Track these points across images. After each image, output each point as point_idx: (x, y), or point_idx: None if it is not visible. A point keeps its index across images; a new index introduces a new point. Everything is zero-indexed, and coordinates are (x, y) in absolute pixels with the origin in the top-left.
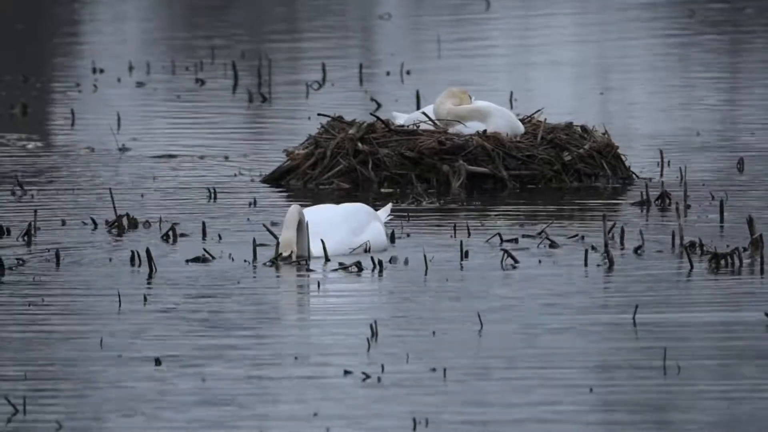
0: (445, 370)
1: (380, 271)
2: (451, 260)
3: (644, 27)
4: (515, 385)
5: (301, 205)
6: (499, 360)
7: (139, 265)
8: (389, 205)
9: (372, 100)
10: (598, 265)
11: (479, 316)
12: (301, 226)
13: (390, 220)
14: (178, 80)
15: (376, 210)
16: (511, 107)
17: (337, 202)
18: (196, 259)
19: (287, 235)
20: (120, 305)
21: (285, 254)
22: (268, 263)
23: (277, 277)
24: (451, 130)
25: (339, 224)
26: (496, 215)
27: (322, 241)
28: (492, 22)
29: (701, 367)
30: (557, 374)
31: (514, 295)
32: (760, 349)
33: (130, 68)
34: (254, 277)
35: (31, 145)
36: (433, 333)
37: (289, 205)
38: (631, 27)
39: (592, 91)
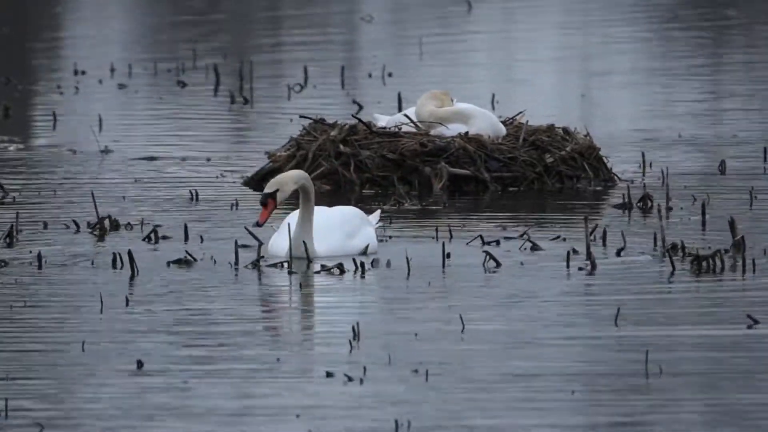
0: (427, 371)
1: (362, 274)
2: (433, 262)
3: (627, 29)
4: (497, 387)
5: (290, 207)
6: (480, 361)
7: (121, 267)
8: (378, 212)
9: (354, 102)
10: (580, 268)
11: (461, 317)
12: (307, 193)
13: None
14: (160, 82)
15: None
16: (493, 109)
17: (319, 204)
18: (178, 261)
19: (288, 176)
20: (102, 307)
21: (268, 190)
22: (250, 265)
23: (260, 279)
24: (432, 132)
25: (334, 228)
26: (477, 217)
27: (304, 242)
28: (473, 24)
29: (683, 367)
30: (539, 377)
31: (496, 297)
32: (742, 350)
33: (112, 70)
34: (236, 279)
35: (12, 148)
36: (416, 335)
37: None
38: (613, 29)
39: (574, 93)
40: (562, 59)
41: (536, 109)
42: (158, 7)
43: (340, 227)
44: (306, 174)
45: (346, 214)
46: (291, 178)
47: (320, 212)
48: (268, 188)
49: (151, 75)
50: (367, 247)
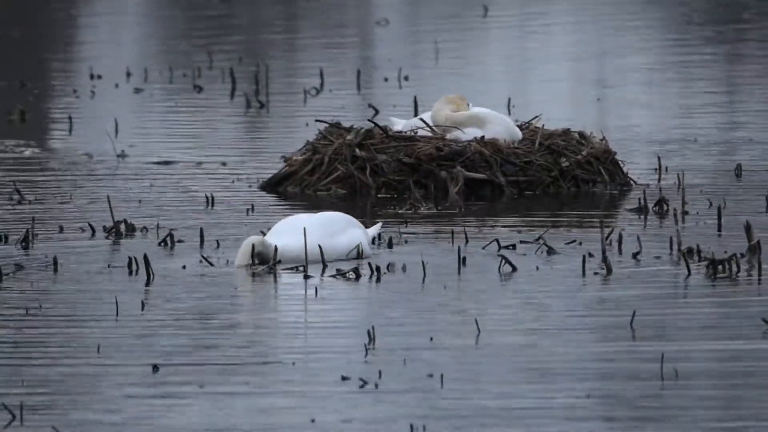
0: (442, 376)
1: (378, 278)
2: (449, 266)
3: (642, 32)
4: (512, 392)
5: (305, 211)
6: (496, 366)
7: (137, 272)
8: (378, 225)
9: (370, 106)
10: (596, 272)
11: (477, 322)
12: (262, 255)
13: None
14: (176, 86)
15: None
16: (509, 113)
17: (335, 208)
18: (193, 266)
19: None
20: (117, 311)
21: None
22: (265, 270)
23: (275, 283)
24: (448, 137)
25: (313, 228)
26: (493, 221)
27: (319, 246)
28: (489, 27)
29: (699, 371)
30: (554, 381)
31: (512, 301)
32: (757, 355)
33: (128, 74)
34: (252, 283)
35: (28, 152)
36: (431, 339)
37: (285, 212)
38: (628, 32)
39: (590, 97)
40: (579, 63)
41: (552, 113)
42: (174, 12)
43: (320, 228)
44: (248, 246)
45: (328, 216)
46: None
47: (301, 217)
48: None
49: (166, 79)
50: (358, 247)
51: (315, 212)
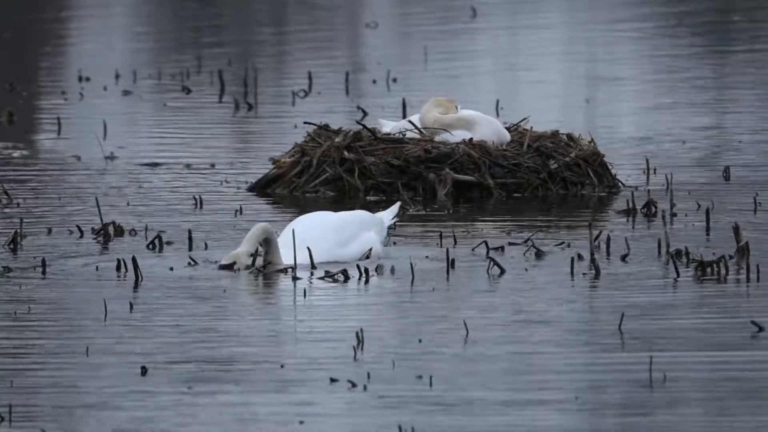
0: (431, 378)
1: (366, 280)
2: (438, 268)
3: (631, 35)
4: (501, 393)
5: (294, 213)
6: (484, 368)
7: (125, 273)
8: (397, 205)
9: (358, 108)
10: (584, 274)
11: (465, 324)
12: (270, 243)
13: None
14: (165, 88)
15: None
16: (498, 116)
17: (323, 210)
18: (182, 268)
19: (241, 250)
20: (106, 313)
21: (224, 262)
22: (254, 271)
23: (264, 285)
24: (437, 139)
25: (326, 234)
26: (482, 223)
27: (308, 249)
28: (478, 30)
29: (687, 376)
30: (543, 382)
31: (500, 303)
32: (746, 357)
33: (117, 76)
34: (240, 285)
35: (17, 154)
36: (420, 341)
37: (274, 214)
38: (618, 34)
39: (579, 100)
40: (567, 65)
41: (541, 115)
42: (162, 14)
43: (332, 235)
44: (260, 231)
45: (342, 220)
46: (245, 254)
47: (315, 218)
48: (226, 260)
49: (155, 81)
50: (369, 251)
51: (314, 211)
